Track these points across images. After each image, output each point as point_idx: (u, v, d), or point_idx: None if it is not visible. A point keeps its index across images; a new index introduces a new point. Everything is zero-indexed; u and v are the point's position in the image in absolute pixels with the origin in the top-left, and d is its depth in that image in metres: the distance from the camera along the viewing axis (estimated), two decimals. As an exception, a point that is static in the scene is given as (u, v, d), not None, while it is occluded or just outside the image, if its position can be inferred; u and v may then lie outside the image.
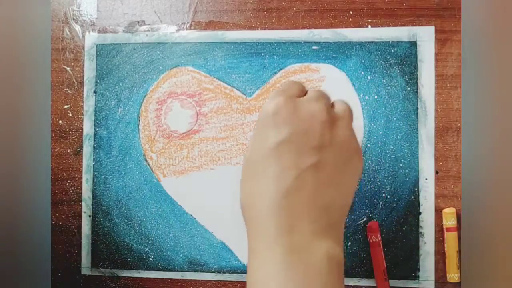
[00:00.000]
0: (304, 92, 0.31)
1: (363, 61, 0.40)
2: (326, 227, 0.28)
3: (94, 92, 0.42)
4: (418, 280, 0.39)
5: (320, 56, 0.40)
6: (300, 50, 0.40)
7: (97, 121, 0.42)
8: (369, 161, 0.39)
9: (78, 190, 0.42)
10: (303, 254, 0.26)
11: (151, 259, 0.41)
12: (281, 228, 0.27)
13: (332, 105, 0.31)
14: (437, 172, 0.39)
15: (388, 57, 0.40)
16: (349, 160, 0.30)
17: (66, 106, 0.42)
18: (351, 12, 0.40)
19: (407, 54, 0.40)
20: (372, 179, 0.39)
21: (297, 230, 0.27)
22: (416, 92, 0.39)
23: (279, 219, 0.27)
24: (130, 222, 0.41)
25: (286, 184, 0.27)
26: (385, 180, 0.39)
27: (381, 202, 0.39)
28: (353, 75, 0.40)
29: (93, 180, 0.42)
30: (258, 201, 0.28)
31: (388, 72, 0.40)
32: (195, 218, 0.41)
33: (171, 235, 0.41)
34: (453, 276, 0.38)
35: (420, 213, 0.39)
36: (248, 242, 0.29)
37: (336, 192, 0.29)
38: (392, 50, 0.40)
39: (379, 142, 0.39)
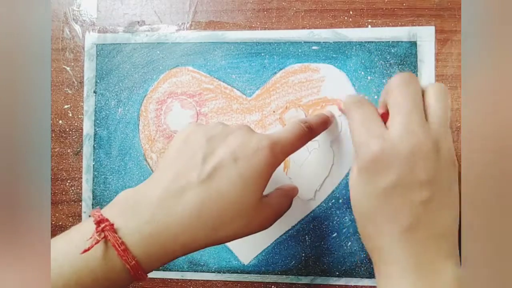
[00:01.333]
0: (378, 113, 0.30)
1: (363, 61, 0.40)
2: (447, 248, 0.29)
3: (94, 92, 0.42)
4: (418, 280, 0.39)
5: (320, 56, 0.40)
6: (300, 50, 0.40)
7: (97, 121, 0.42)
8: (369, 161, 0.39)
9: (78, 190, 0.42)
10: (435, 277, 0.28)
11: (151, 259, 0.41)
12: (408, 259, 0.28)
13: (424, 103, 0.29)
14: (437, 172, 0.39)
15: (388, 57, 0.40)
16: (454, 174, 0.29)
17: (66, 106, 0.42)
18: (351, 12, 0.40)
19: (407, 54, 0.40)
20: (372, 179, 0.39)
21: (424, 257, 0.28)
22: (416, 92, 0.39)
23: (403, 253, 0.28)
24: (130, 222, 0.41)
25: (402, 223, 0.28)
26: (385, 180, 0.39)
27: (381, 202, 0.39)
28: (353, 75, 0.40)
29: (93, 180, 0.42)
30: (380, 240, 0.29)
31: (388, 72, 0.40)
32: (195, 218, 0.41)
33: (171, 235, 0.41)
34: (453, 276, 0.38)
35: (420, 213, 0.39)
36: (377, 269, 0.30)
37: (449, 212, 0.29)
38: (392, 50, 0.40)
39: (379, 142, 0.39)
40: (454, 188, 0.29)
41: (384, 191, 0.28)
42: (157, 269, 0.41)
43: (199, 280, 0.41)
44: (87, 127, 0.42)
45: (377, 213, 0.29)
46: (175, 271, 0.41)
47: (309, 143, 0.40)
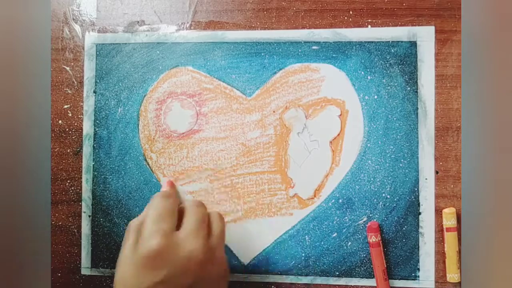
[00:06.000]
0: (175, 213, 0.33)
1: (363, 61, 0.40)
2: None
3: (94, 92, 0.42)
4: (418, 280, 0.39)
5: (320, 56, 0.40)
6: (300, 50, 0.40)
7: (97, 121, 0.42)
8: (369, 161, 0.39)
9: (78, 190, 0.42)
10: None
11: (151, 259, 0.41)
12: None
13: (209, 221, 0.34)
14: (437, 172, 0.39)
15: (388, 57, 0.40)
16: (219, 281, 0.33)
17: (66, 106, 0.42)
18: (351, 12, 0.40)
19: (407, 54, 0.40)
20: (372, 179, 0.39)
21: None
22: (416, 92, 0.39)
23: None
24: (130, 222, 0.41)
25: None
26: (385, 180, 0.39)
27: (381, 202, 0.39)
28: (353, 75, 0.40)
29: (93, 180, 0.42)
30: None
31: (388, 72, 0.40)
32: (195, 218, 0.41)
33: (171, 235, 0.41)
34: (453, 276, 0.38)
35: (420, 213, 0.39)
36: None
37: None
38: (392, 50, 0.40)
39: (379, 142, 0.39)
40: None
41: (154, 285, 0.29)
42: (157, 269, 0.41)
43: (199, 280, 0.41)
44: (87, 127, 0.42)
45: None
46: (175, 271, 0.41)
47: (309, 143, 0.40)
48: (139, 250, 0.30)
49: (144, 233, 0.31)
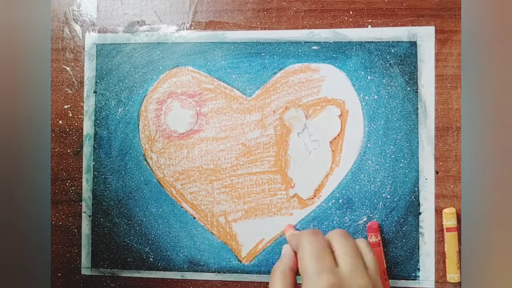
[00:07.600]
0: (330, 249, 0.32)
1: (363, 61, 0.40)
2: None
3: (94, 92, 0.42)
4: (418, 280, 0.39)
5: (320, 56, 0.40)
6: (300, 50, 0.40)
7: (97, 121, 0.42)
8: (369, 161, 0.39)
9: (78, 190, 0.42)
10: None
11: (151, 259, 0.41)
12: None
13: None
14: (437, 172, 0.39)
15: (388, 57, 0.40)
16: None
17: (66, 106, 0.42)
18: (351, 12, 0.40)
19: (407, 54, 0.40)
20: (372, 179, 0.39)
21: None
22: (416, 92, 0.39)
23: None
24: (130, 222, 0.41)
25: None
26: (385, 180, 0.39)
27: (381, 202, 0.39)
28: (353, 75, 0.40)
29: (93, 180, 0.42)
30: None
31: (388, 72, 0.40)
32: (195, 218, 0.41)
33: (171, 235, 0.41)
34: (453, 276, 0.38)
35: (420, 213, 0.39)
36: None
37: None
38: (392, 50, 0.40)
39: (379, 142, 0.39)
40: None
41: None
42: (157, 269, 0.41)
43: (199, 280, 0.41)
44: (87, 127, 0.42)
45: None
46: (175, 271, 0.41)
47: (309, 143, 0.40)
48: None
49: (309, 274, 0.30)
